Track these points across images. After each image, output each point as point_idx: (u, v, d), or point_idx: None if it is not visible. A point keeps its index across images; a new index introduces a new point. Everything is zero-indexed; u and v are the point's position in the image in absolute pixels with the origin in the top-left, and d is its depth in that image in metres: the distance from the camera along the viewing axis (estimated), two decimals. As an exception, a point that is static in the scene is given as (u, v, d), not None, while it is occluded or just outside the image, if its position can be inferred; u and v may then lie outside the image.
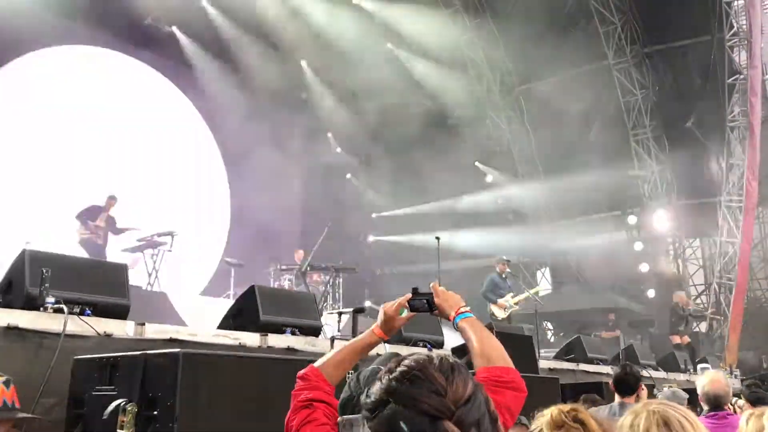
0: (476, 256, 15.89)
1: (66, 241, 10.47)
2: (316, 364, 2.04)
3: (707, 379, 4.17)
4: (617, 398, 4.72)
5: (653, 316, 14.78)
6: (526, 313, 11.72)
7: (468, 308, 2.11)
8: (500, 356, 1.94)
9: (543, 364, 7.42)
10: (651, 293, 14.41)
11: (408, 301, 2.14)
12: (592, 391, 5.69)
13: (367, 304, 16.44)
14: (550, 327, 16.85)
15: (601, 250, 16.81)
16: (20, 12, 11.18)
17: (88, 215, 10.80)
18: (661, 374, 9.02)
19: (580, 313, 15.48)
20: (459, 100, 16.91)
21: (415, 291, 2.16)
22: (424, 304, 2.13)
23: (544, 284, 17.63)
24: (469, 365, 2.14)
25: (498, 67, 16.77)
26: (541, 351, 9.33)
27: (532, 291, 10.92)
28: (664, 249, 16.10)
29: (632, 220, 16.24)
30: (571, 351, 8.64)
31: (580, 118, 16.06)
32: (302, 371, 2.01)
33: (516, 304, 10.80)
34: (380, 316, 2.16)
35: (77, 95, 12.76)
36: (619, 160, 15.26)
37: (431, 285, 2.15)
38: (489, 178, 17.66)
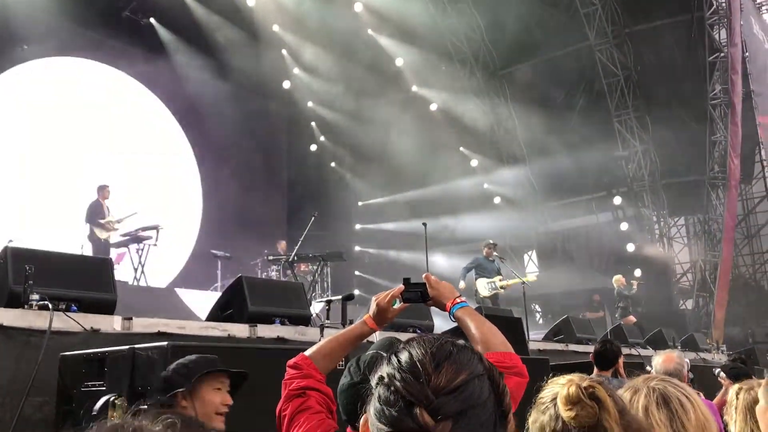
0: (464, 241, 15.95)
1: (55, 238, 10.37)
2: (306, 353, 2.02)
3: (660, 358, 4.28)
4: (595, 371, 4.83)
5: (641, 295, 14.90)
6: (515, 296, 11.78)
7: (463, 298, 2.10)
8: (501, 342, 1.94)
9: (532, 345, 7.46)
10: (638, 273, 14.51)
11: (401, 293, 2.12)
12: (582, 371, 5.73)
13: (356, 292, 16.49)
14: (539, 309, 16.95)
15: (587, 232, 16.91)
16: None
17: (96, 215, 10.67)
18: (649, 352, 9.09)
19: (567, 294, 15.57)
20: (442, 85, 16.86)
21: (406, 282, 2.14)
22: (417, 295, 2.11)
23: (531, 267, 17.72)
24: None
25: (480, 51, 16.73)
26: (530, 333, 9.38)
27: (525, 279, 10.98)
28: (650, 228, 16.21)
29: (617, 200, 16.32)
30: (560, 332, 8.70)
31: (563, 100, 16.10)
32: (293, 360, 1.99)
33: (503, 287, 10.87)
34: (372, 307, 2.14)
35: (55, 93, 12.60)
36: (603, 141, 15.31)
37: (424, 276, 2.13)
38: (474, 163, 17.67)
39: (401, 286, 2.13)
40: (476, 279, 11.09)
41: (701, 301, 15.04)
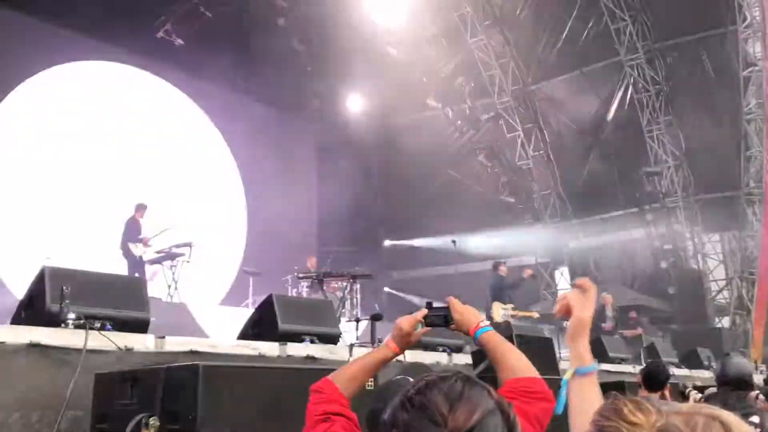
0: (494, 258, 15.85)
1: (89, 254, 10.58)
2: (330, 377, 2.03)
3: None
4: (642, 392, 4.70)
5: (675, 312, 14.64)
6: (546, 314, 11.66)
7: (487, 322, 2.10)
8: (526, 367, 1.93)
9: (564, 365, 7.37)
10: (672, 290, 14.27)
11: (424, 317, 2.14)
12: (615, 391, 5.64)
13: (386, 308, 16.46)
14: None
15: (619, 248, 16.70)
16: (31, 29, 11.37)
17: (132, 232, 10.88)
18: (684, 371, 8.93)
19: (601, 312, 15.35)
20: (470, 103, 16.87)
21: (429, 305, 2.15)
22: (440, 319, 2.12)
23: (563, 284, 17.51)
24: (489, 374, 2.15)
25: (509, 68, 16.71)
26: (562, 352, 9.27)
27: (532, 314, 10.97)
28: (684, 245, 15.95)
29: (650, 216, 16.10)
30: (592, 351, 8.57)
31: (593, 116, 15.98)
32: (316, 384, 2.00)
33: (513, 316, 10.82)
34: (395, 331, 2.15)
35: (92, 111, 12.88)
36: (634, 157, 15.15)
37: (447, 299, 2.14)
38: (503, 180, 17.59)
39: (424, 310, 2.14)
40: (492, 301, 11.02)
41: (738, 319, 14.73)
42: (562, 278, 17.78)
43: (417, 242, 16.96)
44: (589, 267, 17.32)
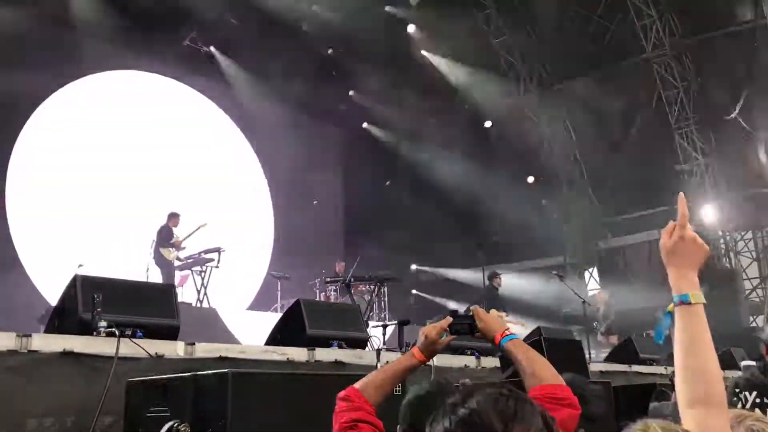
0: (521, 259, 15.78)
1: (122, 262, 10.75)
2: (356, 386, 2.06)
3: None
4: (675, 395, 4.60)
5: (708, 312, 14.38)
6: (575, 314, 11.57)
7: (512, 330, 2.11)
8: (552, 374, 1.96)
9: (594, 367, 7.30)
10: (704, 289, 14.03)
11: (449, 325, 2.15)
12: (647, 393, 5.56)
13: (413, 311, 16.44)
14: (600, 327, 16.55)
15: (649, 247, 16.47)
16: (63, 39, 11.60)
17: (165, 239, 11.05)
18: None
19: (631, 312, 15.16)
20: (496, 102, 16.79)
21: (454, 314, 2.17)
22: (465, 327, 2.15)
23: (592, 284, 17.33)
24: (517, 377, 2.14)
25: (534, 67, 16.62)
26: (592, 353, 9.19)
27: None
28: (716, 243, 15.68)
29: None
30: (623, 352, 8.48)
31: (620, 114, 15.80)
32: (343, 392, 2.03)
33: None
34: (420, 339, 2.17)
35: (122, 118, 13.09)
36: (663, 155, 14.94)
37: (472, 308, 2.16)
38: (530, 180, 17.48)
39: (449, 318, 2.16)
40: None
41: (773, 318, 14.46)
42: (591, 278, 17.61)
43: (444, 245, 16.91)
44: (619, 267, 17.14)
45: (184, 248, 11.14)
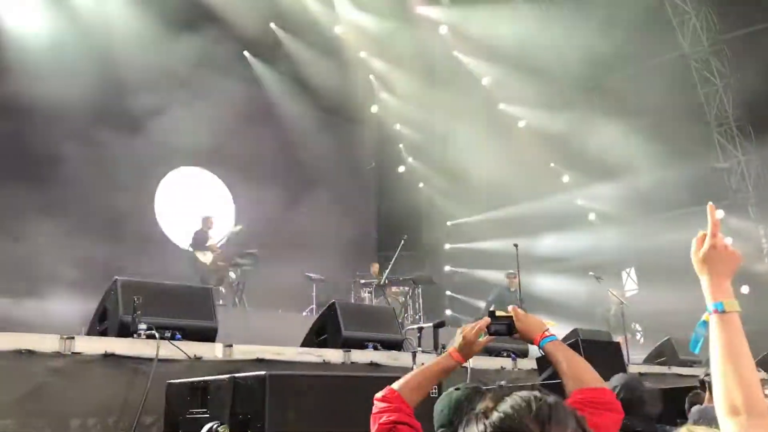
0: (557, 260, 15.61)
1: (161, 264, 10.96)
2: (394, 386, 2.05)
3: None
4: (708, 398, 4.49)
5: (749, 313, 14.07)
6: (613, 315, 11.42)
7: (552, 331, 2.09)
8: (594, 378, 1.93)
9: (632, 369, 7.20)
10: (745, 289, 13.72)
11: (487, 326, 2.14)
12: (687, 396, 5.45)
13: (448, 312, 16.41)
14: (639, 329, 16.31)
15: (688, 247, 16.12)
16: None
17: (200, 242, 11.23)
18: (762, 375, 8.57)
19: (670, 313, 14.89)
20: (530, 101, 16.66)
21: (492, 314, 2.16)
22: (503, 327, 2.13)
23: (630, 285, 17.08)
24: (555, 379, 2.12)
25: (568, 64, 16.43)
26: (631, 354, 9.05)
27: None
28: (757, 243, 15.33)
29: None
30: (662, 354, 8.35)
31: (657, 111, 15.53)
32: (381, 394, 2.03)
33: None
34: (458, 340, 2.15)
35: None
36: (702, 153, 14.66)
37: (510, 308, 2.14)
38: (565, 179, 17.31)
39: (487, 319, 2.15)
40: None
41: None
42: (629, 279, 17.37)
43: (478, 245, 16.82)
44: (656, 267, 16.84)
45: (218, 251, 11.28)
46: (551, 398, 1.16)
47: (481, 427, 1.14)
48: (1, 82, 10.01)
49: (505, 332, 2.14)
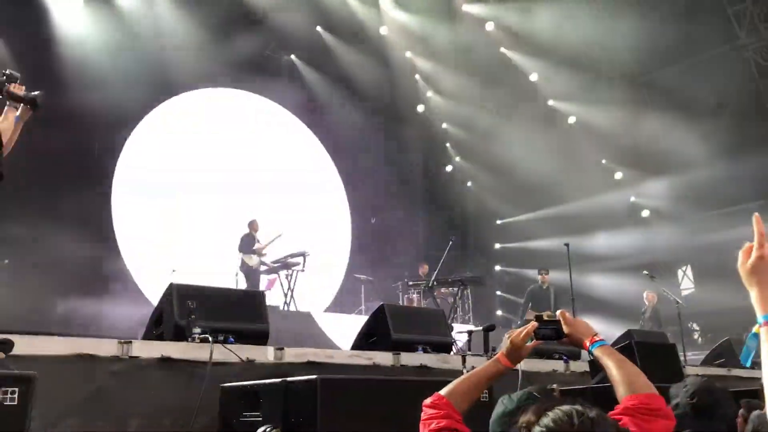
0: (610, 259, 15.33)
1: (212, 266, 11.18)
2: (442, 392, 2.05)
3: None
4: None
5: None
6: (670, 315, 11.14)
7: (601, 336, 2.07)
8: (644, 384, 1.90)
9: (690, 370, 7.01)
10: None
11: (535, 330, 2.12)
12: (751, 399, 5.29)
13: (499, 313, 16.28)
14: (697, 328, 15.88)
15: (747, 243, 15.64)
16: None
17: (247, 245, 11.46)
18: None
19: (729, 312, 14.45)
20: (579, 97, 16.39)
21: (539, 318, 2.14)
22: (551, 332, 2.12)
23: (686, 283, 16.66)
24: (607, 383, 2.09)
25: (618, 58, 16.10)
26: (688, 355, 8.84)
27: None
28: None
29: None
30: (721, 355, 8.10)
31: (712, 105, 15.10)
32: (429, 400, 2.03)
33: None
34: (505, 344, 2.15)
35: (208, 131, 13.58)
36: (760, 146, 14.17)
37: (558, 313, 2.12)
38: (618, 176, 16.97)
39: (535, 323, 2.13)
40: (528, 308, 10.72)
41: None
42: (685, 277, 16.93)
43: (529, 245, 16.64)
44: (714, 264, 16.37)
45: (265, 254, 11.46)
46: (593, 412, 1.17)
47: None
48: (61, 93, 10.34)
49: (552, 336, 2.12)
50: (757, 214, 1.67)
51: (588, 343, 2.05)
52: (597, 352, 2.02)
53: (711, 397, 3.21)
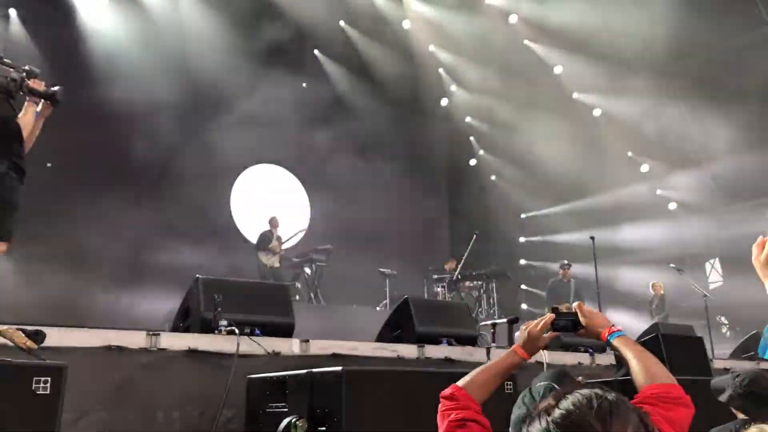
0: (636, 252, 15.18)
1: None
2: (460, 384, 2.06)
3: None
4: None
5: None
6: (699, 308, 11.01)
7: (619, 327, 2.07)
8: (664, 373, 1.90)
9: (717, 364, 6.92)
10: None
11: (552, 322, 2.13)
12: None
13: (524, 307, 16.20)
14: (725, 321, 15.66)
15: (775, 236, 15.37)
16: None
17: (263, 243, 11.51)
18: None
19: (758, 305, 14.22)
20: (604, 89, 16.22)
21: (555, 310, 2.15)
22: (568, 323, 2.13)
23: (714, 276, 16.43)
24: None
25: (644, 48, 15.89)
26: (715, 348, 8.73)
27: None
28: None
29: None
30: (749, 348, 7.99)
31: (741, 94, 14.84)
32: (447, 391, 2.03)
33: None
34: (522, 336, 2.17)
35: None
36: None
37: (575, 305, 2.13)
38: (644, 168, 16.77)
39: (551, 315, 2.14)
40: (548, 301, 10.59)
41: None
42: (713, 270, 16.71)
43: (554, 238, 16.53)
44: (742, 257, 16.11)
45: (281, 252, 11.44)
46: (612, 395, 1.18)
47: (544, 424, 1.16)
48: (89, 89, 10.51)
49: (570, 328, 2.13)
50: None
51: (605, 334, 2.06)
52: (616, 342, 2.03)
53: (763, 385, 3.18)
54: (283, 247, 11.71)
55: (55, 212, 9.56)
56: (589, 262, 10.19)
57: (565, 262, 11.10)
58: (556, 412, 1.17)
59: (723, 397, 3.43)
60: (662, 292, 12.02)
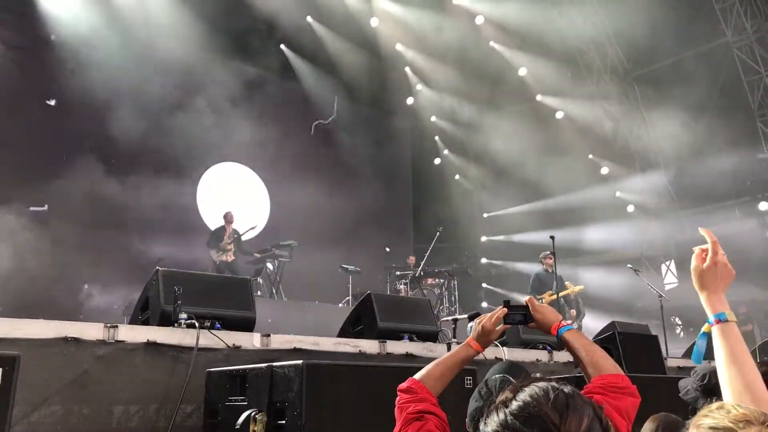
0: (595, 252, 15.44)
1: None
2: (417, 377, 2.09)
3: None
4: None
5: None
6: (653, 309, 11.24)
7: (568, 321, 2.13)
8: (611, 364, 1.97)
9: (671, 362, 7.10)
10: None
11: (504, 315, 2.17)
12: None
13: (484, 305, 16.36)
14: (679, 322, 16.03)
15: (730, 240, 15.77)
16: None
17: (214, 239, 11.37)
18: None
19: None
20: (568, 92, 16.46)
21: (507, 304, 2.19)
22: (519, 317, 2.17)
23: (669, 278, 16.80)
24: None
25: (607, 55, 16.19)
26: (669, 348, 8.92)
27: (570, 289, 10.56)
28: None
29: (763, 206, 15.15)
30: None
31: (698, 102, 15.21)
32: (405, 384, 2.06)
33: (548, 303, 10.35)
34: (476, 329, 2.20)
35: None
36: (744, 143, 14.30)
37: (526, 299, 2.18)
38: (604, 171, 17.07)
39: (504, 309, 2.18)
40: (531, 293, 10.67)
41: None
42: (669, 272, 17.08)
43: (515, 237, 16.73)
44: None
45: (229, 250, 11.32)
46: (568, 388, 1.21)
47: (502, 416, 1.19)
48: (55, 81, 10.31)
49: (521, 321, 2.17)
50: (703, 228, 1.86)
51: (555, 328, 2.10)
52: (566, 336, 2.07)
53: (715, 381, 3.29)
54: (243, 238, 11.59)
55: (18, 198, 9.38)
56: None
57: (546, 252, 11.12)
58: (514, 404, 1.20)
59: (682, 394, 3.61)
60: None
